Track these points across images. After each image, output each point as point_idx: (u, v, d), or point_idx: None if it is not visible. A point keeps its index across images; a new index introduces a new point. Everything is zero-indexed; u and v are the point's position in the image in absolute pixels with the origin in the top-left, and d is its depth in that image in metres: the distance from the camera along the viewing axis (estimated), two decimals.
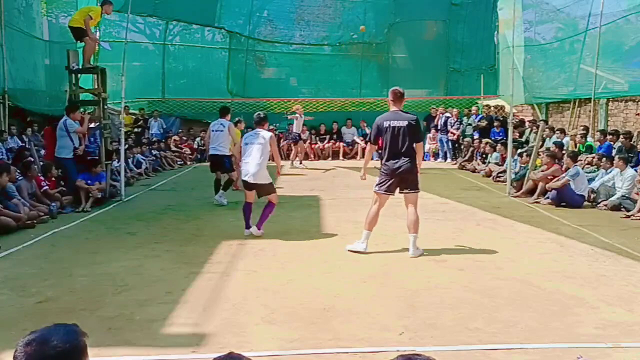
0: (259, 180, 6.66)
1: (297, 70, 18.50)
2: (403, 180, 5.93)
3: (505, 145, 11.48)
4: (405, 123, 5.89)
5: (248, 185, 6.76)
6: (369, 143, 6.41)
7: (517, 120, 13.22)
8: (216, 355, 1.57)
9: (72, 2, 15.04)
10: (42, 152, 10.36)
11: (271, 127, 16.85)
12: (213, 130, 9.01)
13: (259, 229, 6.71)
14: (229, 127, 8.93)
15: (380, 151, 6.60)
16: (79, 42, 10.16)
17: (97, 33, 12.04)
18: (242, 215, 6.89)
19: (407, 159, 5.88)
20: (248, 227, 6.78)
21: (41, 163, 9.24)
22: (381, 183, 5.99)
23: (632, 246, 6.13)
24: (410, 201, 5.99)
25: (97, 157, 9.38)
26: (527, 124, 14.38)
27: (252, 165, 6.60)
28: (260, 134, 6.78)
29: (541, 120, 13.29)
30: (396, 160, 5.89)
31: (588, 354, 3.38)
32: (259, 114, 7.05)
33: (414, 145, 5.94)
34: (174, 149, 15.77)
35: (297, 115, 14.50)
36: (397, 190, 6.03)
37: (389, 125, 5.92)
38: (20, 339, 1.51)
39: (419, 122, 6.18)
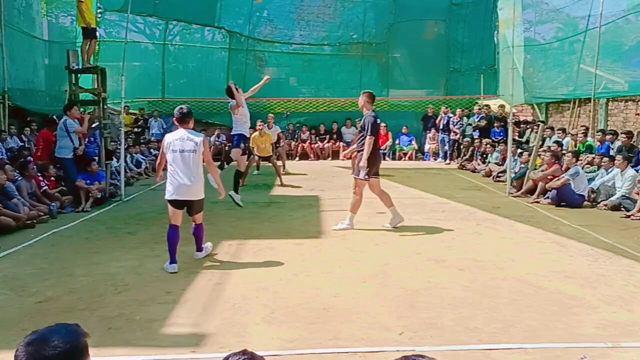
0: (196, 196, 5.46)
1: (297, 70, 18.48)
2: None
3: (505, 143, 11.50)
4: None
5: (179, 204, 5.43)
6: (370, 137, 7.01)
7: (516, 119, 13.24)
8: (226, 354, 1.58)
9: (72, 2, 15.05)
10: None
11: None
12: None
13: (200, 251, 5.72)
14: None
15: None
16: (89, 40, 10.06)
17: (98, 33, 12.02)
18: (241, 216, 6.87)
19: None
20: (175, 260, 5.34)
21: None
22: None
23: (632, 246, 6.13)
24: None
25: (95, 157, 9.39)
26: (522, 125, 14.38)
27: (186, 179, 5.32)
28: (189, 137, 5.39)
29: (540, 121, 13.30)
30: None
31: (588, 354, 3.38)
32: (181, 108, 5.45)
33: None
34: None
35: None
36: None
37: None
38: (20, 338, 1.52)
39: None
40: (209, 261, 5.66)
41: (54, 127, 10.63)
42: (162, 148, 5.49)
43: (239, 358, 1.53)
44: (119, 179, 9.74)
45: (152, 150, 14.11)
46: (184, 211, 5.51)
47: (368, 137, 6.99)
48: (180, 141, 5.35)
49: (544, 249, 6.14)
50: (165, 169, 5.62)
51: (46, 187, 8.42)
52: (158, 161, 5.79)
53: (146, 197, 10.01)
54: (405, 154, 16.74)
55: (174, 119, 5.53)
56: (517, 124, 13.70)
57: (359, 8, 18.16)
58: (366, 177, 7.04)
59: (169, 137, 5.45)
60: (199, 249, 5.76)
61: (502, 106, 15.47)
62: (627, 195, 8.42)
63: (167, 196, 5.38)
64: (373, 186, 7.19)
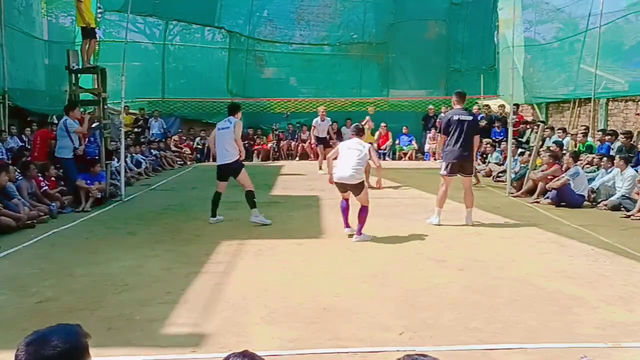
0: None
1: (297, 70, 18.49)
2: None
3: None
4: (470, 118, 7.38)
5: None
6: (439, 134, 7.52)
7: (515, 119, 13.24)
8: (226, 354, 1.58)
9: (72, 2, 15.05)
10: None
11: (273, 126, 16.91)
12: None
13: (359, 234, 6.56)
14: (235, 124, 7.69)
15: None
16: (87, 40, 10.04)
17: (98, 33, 12.03)
18: (241, 216, 6.88)
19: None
20: (347, 225, 6.79)
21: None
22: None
23: (632, 246, 6.13)
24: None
25: (97, 157, 9.39)
26: (521, 125, 14.38)
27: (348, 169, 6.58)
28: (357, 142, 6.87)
29: (540, 121, 13.29)
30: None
31: (588, 354, 3.38)
32: (357, 125, 7.33)
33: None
34: (174, 148, 15.77)
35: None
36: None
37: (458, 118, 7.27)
38: (20, 338, 1.52)
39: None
40: (209, 261, 5.65)
41: (50, 127, 10.64)
42: (338, 148, 6.94)
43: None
44: (119, 179, 9.74)
45: (152, 150, 14.11)
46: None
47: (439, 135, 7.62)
48: (350, 143, 6.82)
49: (544, 249, 6.14)
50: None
51: (46, 187, 8.41)
52: (331, 154, 7.05)
53: (146, 197, 10.01)
54: (405, 154, 16.74)
55: (350, 134, 7.15)
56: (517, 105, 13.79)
57: (359, 8, 18.16)
58: (444, 172, 7.46)
59: (342, 144, 7.01)
60: (358, 232, 6.54)
61: (502, 106, 15.47)
62: (627, 195, 8.42)
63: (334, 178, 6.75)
64: (445, 182, 7.50)
